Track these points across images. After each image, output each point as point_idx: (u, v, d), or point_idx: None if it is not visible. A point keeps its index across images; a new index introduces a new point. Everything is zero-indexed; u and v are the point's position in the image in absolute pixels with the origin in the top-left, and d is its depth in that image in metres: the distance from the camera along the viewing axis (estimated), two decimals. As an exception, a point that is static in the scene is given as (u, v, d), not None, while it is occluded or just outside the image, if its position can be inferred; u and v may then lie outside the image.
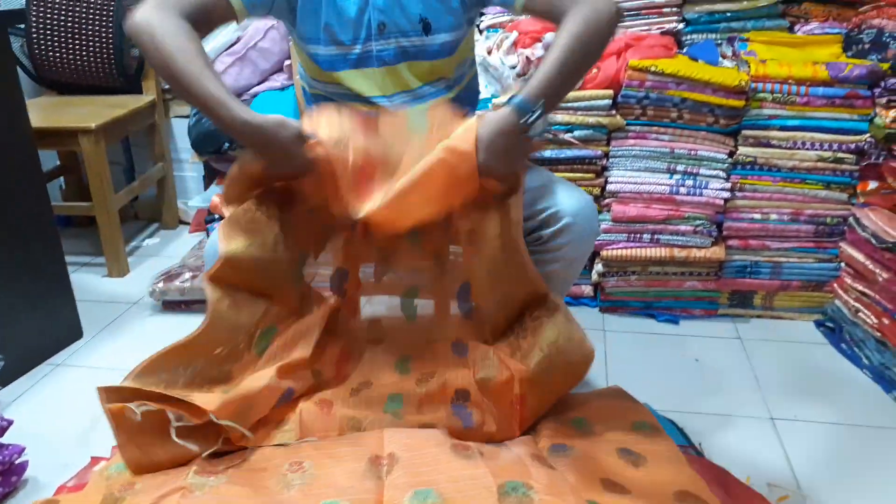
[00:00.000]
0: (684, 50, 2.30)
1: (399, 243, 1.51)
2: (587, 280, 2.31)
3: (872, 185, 2.02)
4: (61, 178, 3.06)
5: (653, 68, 2.02)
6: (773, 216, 2.13)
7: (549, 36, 2.23)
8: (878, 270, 1.90)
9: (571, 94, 2.04)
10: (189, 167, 3.12)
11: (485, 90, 2.27)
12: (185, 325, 1.39)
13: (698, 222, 2.12)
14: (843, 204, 2.10)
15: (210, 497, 1.18)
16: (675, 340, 2.12)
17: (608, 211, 2.18)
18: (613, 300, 2.27)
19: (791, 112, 2.03)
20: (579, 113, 2.12)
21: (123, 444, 1.31)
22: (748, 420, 1.70)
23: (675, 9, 2.36)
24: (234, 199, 1.40)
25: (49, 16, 2.76)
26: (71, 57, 2.79)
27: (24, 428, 1.58)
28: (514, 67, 2.26)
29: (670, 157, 2.11)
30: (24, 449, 1.48)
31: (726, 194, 2.10)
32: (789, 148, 2.06)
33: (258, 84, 2.82)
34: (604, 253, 2.20)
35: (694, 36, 2.36)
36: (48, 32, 2.77)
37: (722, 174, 2.10)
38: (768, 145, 2.07)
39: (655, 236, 2.16)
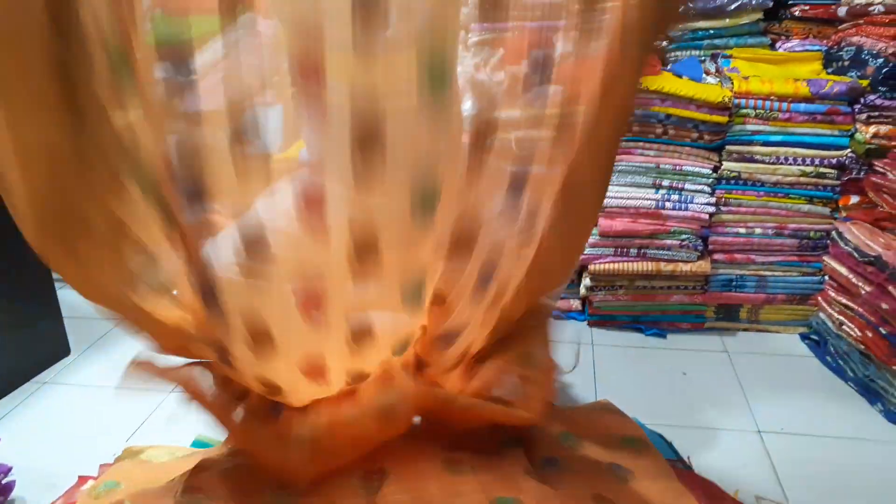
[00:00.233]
0: (668, 67, 2.33)
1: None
2: (575, 294, 2.32)
3: (854, 199, 2.06)
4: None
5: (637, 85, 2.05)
6: (758, 230, 2.16)
7: (536, 53, 2.25)
8: (860, 284, 1.93)
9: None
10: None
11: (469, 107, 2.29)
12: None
13: (684, 236, 2.15)
14: (825, 218, 2.13)
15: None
16: (662, 354, 2.13)
17: (595, 226, 2.20)
18: (601, 314, 2.29)
19: (773, 128, 2.07)
20: (566, 129, 2.14)
21: None
22: (736, 433, 1.72)
23: (659, 26, 2.40)
24: None
25: None
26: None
27: (11, 447, 1.57)
28: (500, 84, 2.28)
29: (656, 172, 2.13)
30: (10, 468, 1.47)
31: (711, 209, 2.13)
32: (772, 163, 2.09)
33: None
34: (591, 267, 2.22)
35: (678, 53, 2.39)
36: None
37: (707, 189, 2.13)
38: (752, 160, 2.10)
39: (642, 250, 2.19)
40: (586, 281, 2.27)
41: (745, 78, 2.10)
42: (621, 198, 2.15)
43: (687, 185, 2.13)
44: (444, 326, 1.18)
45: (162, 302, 1.10)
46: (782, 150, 2.08)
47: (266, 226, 0.99)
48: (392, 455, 1.31)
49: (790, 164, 2.08)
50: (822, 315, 2.14)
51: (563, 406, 1.59)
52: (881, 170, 1.94)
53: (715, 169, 2.13)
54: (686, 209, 2.12)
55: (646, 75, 2.11)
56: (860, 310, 1.93)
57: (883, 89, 1.97)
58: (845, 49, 2.16)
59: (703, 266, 2.17)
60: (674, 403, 1.84)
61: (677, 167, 2.12)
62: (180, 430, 1.62)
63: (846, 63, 2.14)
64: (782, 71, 2.18)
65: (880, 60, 1.99)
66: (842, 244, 2.03)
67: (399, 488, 1.22)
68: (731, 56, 2.26)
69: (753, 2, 2.25)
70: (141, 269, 1.06)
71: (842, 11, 2.19)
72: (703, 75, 2.21)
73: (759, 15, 2.30)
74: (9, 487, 1.47)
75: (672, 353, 2.14)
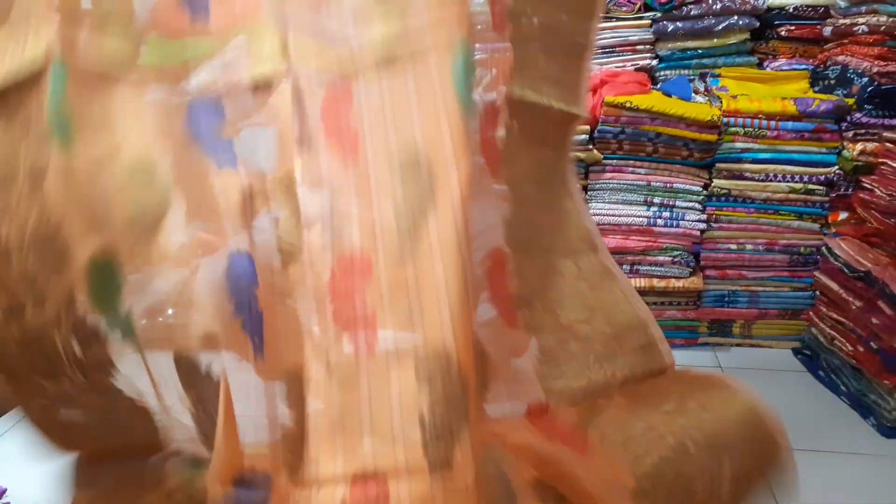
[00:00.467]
0: (658, 86, 2.37)
1: None
2: (569, 311, 2.33)
3: (843, 215, 2.08)
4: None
5: (628, 104, 2.08)
6: (749, 246, 2.18)
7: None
8: (851, 299, 1.95)
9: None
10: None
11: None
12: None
13: (676, 253, 2.17)
14: (815, 234, 2.15)
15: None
16: (656, 370, 2.14)
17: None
18: (595, 331, 2.29)
19: (762, 145, 2.10)
20: (558, 148, 2.17)
21: None
22: (729, 448, 1.72)
23: (648, 46, 2.44)
24: None
25: None
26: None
27: (5, 468, 1.57)
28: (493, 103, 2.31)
29: (647, 189, 2.16)
30: (5, 490, 1.46)
31: (702, 225, 2.15)
32: (762, 180, 2.12)
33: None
34: (585, 284, 2.23)
35: (667, 72, 2.43)
36: None
37: (698, 206, 2.16)
38: (741, 178, 2.13)
39: (635, 267, 2.20)
40: (580, 298, 2.28)
41: (734, 97, 2.13)
42: (613, 215, 2.17)
43: (678, 203, 2.16)
44: None
45: None
46: (771, 167, 2.11)
47: None
48: None
49: (779, 181, 2.11)
50: (813, 330, 2.15)
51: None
52: (869, 186, 1.97)
53: (705, 186, 2.16)
54: (677, 226, 2.15)
55: (636, 94, 2.14)
56: (851, 325, 1.95)
57: (869, 107, 2.00)
58: (831, 68, 2.20)
59: (696, 282, 2.19)
60: (668, 419, 1.84)
61: (668, 185, 2.15)
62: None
63: (832, 82, 2.18)
64: (770, 90, 2.21)
65: (865, 79, 2.03)
66: (832, 260, 2.05)
67: None
68: (719, 75, 2.29)
69: (741, 22, 2.29)
70: None
71: (827, 31, 2.23)
72: (693, 94, 2.25)
73: (747, 35, 2.34)
74: (2, 509, 1.46)
75: (666, 369, 2.14)
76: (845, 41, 2.15)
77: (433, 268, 0.69)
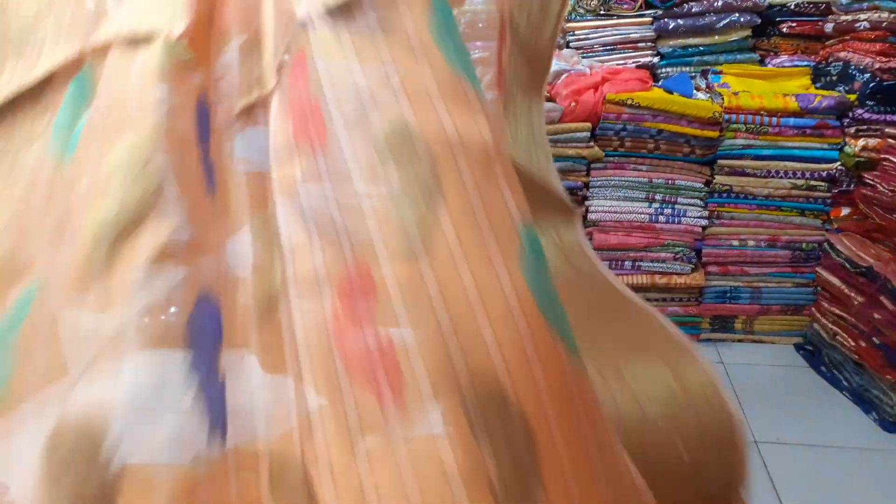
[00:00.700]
0: (660, 83, 2.37)
1: None
2: (571, 308, 2.34)
3: (845, 211, 2.09)
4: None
5: (629, 101, 2.08)
6: (751, 242, 2.18)
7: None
8: (853, 294, 1.95)
9: (551, 128, 2.09)
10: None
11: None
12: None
13: (678, 249, 2.17)
14: (817, 230, 2.16)
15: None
16: (658, 366, 2.14)
17: (590, 240, 2.22)
18: (598, 327, 2.30)
19: (764, 142, 2.10)
20: (559, 145, 2.18)
21: None
22: (732, 443, 1.72)
23: (649, 43, 2.44)
24: None
25: None
26: None
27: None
28: (493, 102, 2.31)
29: (649, 186, 2.16)
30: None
31: (704, 222, 2.15)
32: (763, 176, 2.12)
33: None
34: (587, 281, 2.23)
35: (668, 69, 2.43)
36: None
37: (699, 202, 2.16)
38: (743, 174, 2.13)
39: (637, 263, 2.21)
40: (582, 295, 2.29)
41: (735, 93, 2.13)
42: (615, 212, 2.18)
43: (680, 199, 2.16)
44: None
45: None
46: (773, 163, 2.11)
47: None
48: None
49: (781, 178, 2.11)
50: (815, 325, 2.16)
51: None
52: (871, 182, 1.97)
53: (707, 183, 2.16)
54: (679, 222, 2.15)
55: (637, 91, 2.14)
56: (853, 320, 1.95)
57: (870, 103, 2.01)
58: (833, 64, 2.21)
59: (698, 278, 2.19)
60: (670, 415, 1.85)
61: (670, 181, 2.15)
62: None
63: (834, 78, 2.18)
64: (771, 86, 2.21)
65: (867, 75, 2.03)
66: (834, 255, 2.06)
67: None
68: (721, 72, 2.30)
69: (742, 19, 2.29)
70: None
71: (829, 28, 2.23)
72: (694, 91, 2.25)
73: (748, 32, 2.34)
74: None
75: (668, 365, 2.15)
76: (847, 37, 2.16)
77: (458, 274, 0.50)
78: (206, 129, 0.61)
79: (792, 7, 2.32)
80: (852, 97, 2.04)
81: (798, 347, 2.22)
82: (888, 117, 1.99)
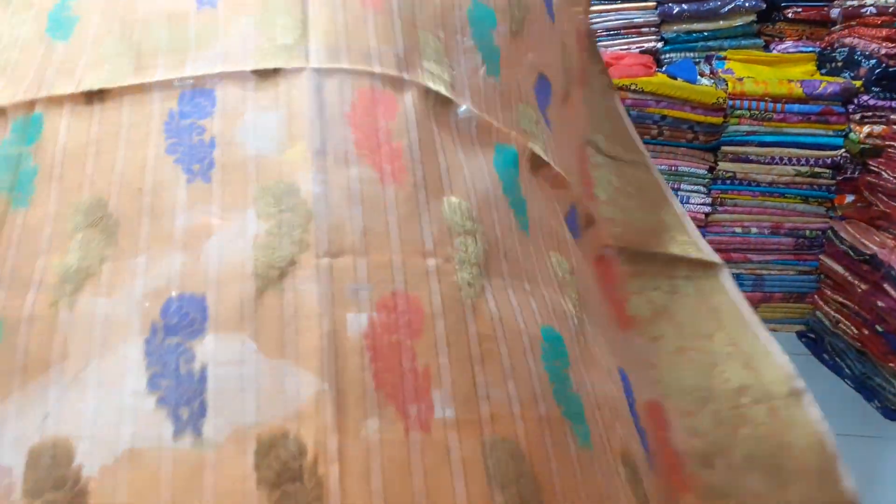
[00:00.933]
0: (663, 68, 2.35)
1: None
2: (573, 295, 2.33)
3: (849, 198, 2.08)
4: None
5: (633, 86, 2.07)
6: (754, 229, 2.17)
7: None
8: (856, 282, 1.94)
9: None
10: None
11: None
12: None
13: (681, 237, 2.16)
14: (821, 217, 2.14)
15: None
16: (660, 354, 2.14)
17: (592, 227, 2.21)
18: (599, 315, 2.30)
19: (768, 128, 2.09)
20: (562, 131, 2.16)
21: None
22: (734, 431, 1.72)
23: (653, 28, 2.42)
24: None
25: None
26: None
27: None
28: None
29: (652, 173, 2.15)
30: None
31: (707, 208, 2.14)
32: (767, 163, 2.11)
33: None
34: (589, 268, 2.23)
35: (672, 55, 2.41)
36: None
37: (703, 189, 2.15)
38: (747, 161, 2.11)
39: (639, 251, 2.20)
40: (584, 282, 2.28)
41: (740, 79, 2.11)
42: (618, 199, 2.16)
43: (683, 186, 2.15)
44: None
45: None
46: (777, 150, 2.09)
47: None
48: None
49: (785, 164, 2.10)
50: (818, 313, 2.15)
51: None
52: (876, 169, 1.96)
53: (710, 169, 2.15)
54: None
55: (641, 77, 2.12)
56: (856, 308, 1.94)
57: (876, 90, 1.99)
58: (838, 50, 2.18)
59: (700, 266, 2.18)
60: (672, 402, 1.84)
61: (673, 168, 2.14)
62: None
63: (839, 64, 2.16)
64: (776, 72, 2.19)
65: (873, 61, 2.01)
66: (837, 243, 2.05)
67: None
68: (725, 58, 2.27)
69: (747, 4, 2.27)
70: None
71: (834, 13, 2.21)
72: (698, 77, 2.23)
73: (753, 17, 2.32)
74: None
75: (670, 352, 2.14)
76: (853, 23, 2.13)
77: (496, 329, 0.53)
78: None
79: (797, -8, 2.29)
80: (858, 83, 2.03)
81: (801, 335, 2.21)
82: (894, 104, 1.98)
